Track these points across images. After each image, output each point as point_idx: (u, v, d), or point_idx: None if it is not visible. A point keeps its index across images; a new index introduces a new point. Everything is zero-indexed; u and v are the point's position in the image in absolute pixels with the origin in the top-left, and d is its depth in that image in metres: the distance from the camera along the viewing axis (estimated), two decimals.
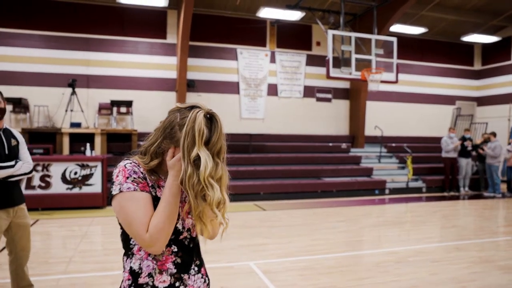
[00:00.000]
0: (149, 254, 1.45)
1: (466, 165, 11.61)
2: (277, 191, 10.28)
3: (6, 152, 3.26)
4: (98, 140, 10.10)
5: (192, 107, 1.42)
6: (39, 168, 8.35)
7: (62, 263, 5.02)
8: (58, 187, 8.40)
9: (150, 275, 1.45)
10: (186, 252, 1.50)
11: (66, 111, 10.28)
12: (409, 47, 13.96)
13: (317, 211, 8.82)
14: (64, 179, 8.46)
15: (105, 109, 11.06)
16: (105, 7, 11.20)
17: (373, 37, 10.13)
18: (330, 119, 13.27)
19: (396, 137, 13.63)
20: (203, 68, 12.07)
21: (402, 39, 13.38)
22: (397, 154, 12.80)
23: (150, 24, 11.60)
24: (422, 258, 5.32)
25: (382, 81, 10.04)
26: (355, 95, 13.16)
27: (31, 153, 8.52)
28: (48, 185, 8.37)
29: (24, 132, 9.84)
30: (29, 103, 10.60)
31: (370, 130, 13.20)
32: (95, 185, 8.58)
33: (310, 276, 4.58)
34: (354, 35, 9.96)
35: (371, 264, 5.07)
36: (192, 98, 11.83)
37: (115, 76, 11.36)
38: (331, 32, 9.70)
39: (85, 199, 8.43)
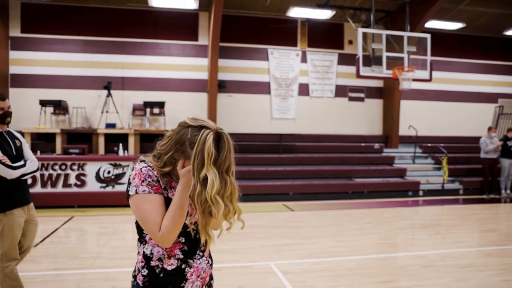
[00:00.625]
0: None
1: (509, 166, 11.05)
2: (307, 192, 10.21)
3: (14, 153, 3.43)
4: (131, 140, 10.41)
5: (202, 127, 1.54)
6: (75, 167, 8.72)
7: (90, 258, 5.22)
8: (92, 186, 8.75)
9: (160, 259, 1.67)
10: (192, 242, 1.72)
11: (102, 112, 10.67)
12: (447, 44, 13.46)
13: (346, 212, 8.69)
14: (98, 178, 8.79)
15: (139, 110, 11.38)
16: (138, 11, 11.53)
17: (405, 34, 9.86)
18: (363, 119, 13.02)
19: (432, 137, 13.18)
20: (234, 69, 12.17)
21: (439, 35, 12.93)
22: (433, 155, 12.38)
23: (182, 26, 11.83)
24: (450, 263, 5.13)
25: (415, 80, 9.75)
26: (388, 94, 12.84)
27: (68, 153, 8.92)
28: (83, 183, 8.73)
29: (63, 132, 10.30)
30: (68, 105, 11.08)
31: (404, 130, 12.84)
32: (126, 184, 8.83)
33: (329, 277, 4.53)
34: (385, 32, 9.73)
35: (395, 268, 4.95)
36: (223, 98, 11.96)
37: (149, 78, 11.67)
38: (361, 30, 9.53)
39: (117, 197, 8.71)
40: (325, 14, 11.62)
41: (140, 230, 1.70)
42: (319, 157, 11.63)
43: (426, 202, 10.26)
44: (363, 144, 12.48)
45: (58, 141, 10.19)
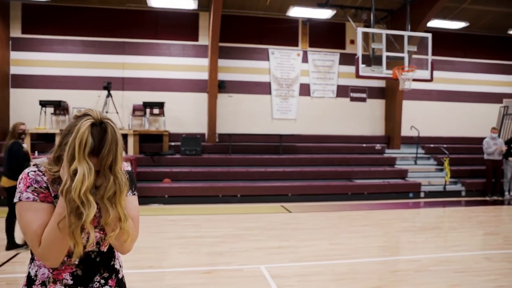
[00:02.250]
0: None
1: None
2: (306, 193, 10.12)
3: None
4: (131, 141, 10.40)
5: (85, 115, 1.37)
6: None
7: None
8: None
9: (43, 283, 1.43)
10: (89, 265, 1.46)
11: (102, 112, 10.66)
12: (450, 43, 13.29)
13: (344, 214, 8.60)
14: None
15: (139, 110, 11.38)
16: (138, 11, 11.52)
17: (406, 33, 9.73)
18: (365, 119, 12.90)
19: (435, 138, 13.03)
20: (234, 69, 12.12)
21: (441, 34, 12.78)
22: (435, 156, 12.23)
23: (182, 26, 11.81)
24: (444, 267, 5.03)
25: (416, 80, 9.63)
26: (391, 94, 12.71)
27: None
28: None
29: (62, 133, 10.31)
30: (68, 106, 11.09)
31: (406, 130, 12.70)
32: None
33: (319, 282, 4.46)
34: (385, 32, 9.62)
35: (387, 272, 4.86)
36: (223, 99, 11.91)
37: (149, 78, 11.66)
38: (360, 30, 9.43)
39: None
40: (326, 14, 11.52)
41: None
42: (320, 158, 11.54)
43: (427, 204, 10.12)
44: (364, 145, 12.37)
45: (58, 141, 10.19)
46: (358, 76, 9.51)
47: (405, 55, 9.56)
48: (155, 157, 10.36)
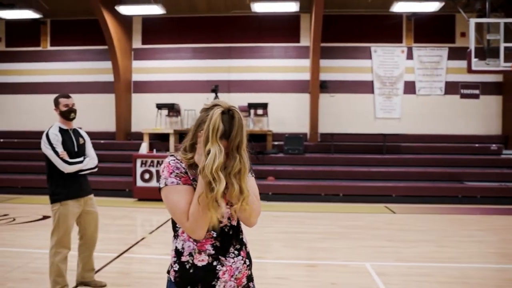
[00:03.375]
0: (191, 236, 1.63)
1: None
2: (411, 194, 9.73)
3: (76, 149, 3.76)
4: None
5: (214, 106, 1.61)
6: None
7: None
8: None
9: (190, 254, 1.65)
10: (225, 238, 1.68)
11: None
12: None
13: (454, 217, 8.10)
14: None
15: (243, 111, 11.93)
16: (243, 17, 12.12)
17: None
18: (477, 118, 11.94)
19: None
20: (336, 69, 12.10)
21: None
22: None
23: (283, 29, 12.15)
24: None
25: None
26: (509, 90, 11.60)
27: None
28: None
29: (175, 133, 11.28)
30: (180, 108, 12.09)
31: None
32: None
33: (427, 283, 4.35)
34: (503, 20, 8.84)
35: (506, 280, 4.55)
36: (325, 99, 11.96)
37: (252, 81, 12.20)
38: (473, 21, 8.80)
39: None
40: (433, 6, 10.92)
41: (173, 224, 1.71)
42: (426, 158, 10.99)
43: None
44: (477, 145, 11.46)
45: (171, 140, 11.19)
46: (470, 71, 8.89)
47: None
48: (260, 156, 10.82)
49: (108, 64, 11.86)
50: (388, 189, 9.83)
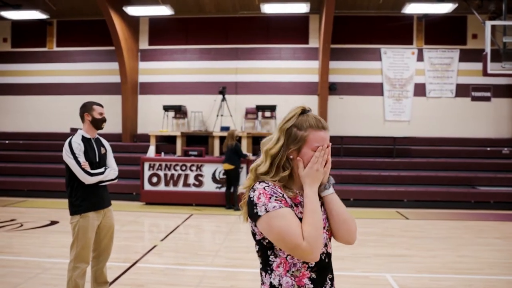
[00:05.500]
0: (287, 271, 1.52)
1: None
2: (423, 199, 9.59)
3: (97, 159, 3.61)
4: (244, 143, 10.84)
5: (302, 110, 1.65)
6: (194, 168, 9.38)
7: (209, 256, 5.57)
8: (208, 186, 9.33)
9: None
10: (321, 267, 1.56)
11: (217, 116, 11.30)
12: None
13: (469, 224, 7.95)
14: (214, 178, 9.34)
15: (251, 113, 11.82)
16: (251, 18, 11.96)
17: None
18: (489, 120, 11.78)
19: None
20: (345, 71, 11.94)
21: None
22: None
23: (292, 30, 11.99)
24: None
25: None
26: None
27: (188, 155, 9.61)
28: (200, 183, 9.35)
29: (182, 135, 11.14)
30: (187, 110, 11.95)
31: None
32: (240, 186, 9.22)
33: None
34: None
35: None
36: (334, 101, 11.80)
37: (260, 82, 12.05)
38: (489, 23, 8.63)
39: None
40: (445, 8, 10.75)
41: (265, 257, 1.57)
42: (437, 162, 10.84)
43: None
44: (488, 149, 11.30)
45: (179, 143, 11.05)
46: (486, 74, 8.72)
47: None
48: None
49: (114, 65, 11.71)
50: (400, 194, 9.69)
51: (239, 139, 10.89)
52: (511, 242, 6.62)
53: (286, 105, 11.80)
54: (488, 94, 11.83)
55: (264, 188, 1.52)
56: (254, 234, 1.57)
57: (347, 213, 1.59)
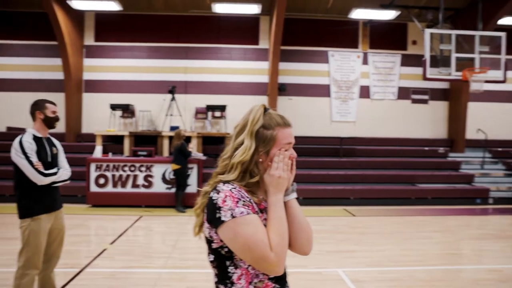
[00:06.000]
0: (250, 283, 1.41)
1: None
2: (368, 197, 10.02)
3: (49, 160, 3.45)
4: (194, 143, 10.74)
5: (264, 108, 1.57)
6: (143, 168, 9.17)
7: (162, 258, 5.48)
8: (158, 187, 9.15)
9: None
10: (281, 278, 1.48)
11: (166, 115, 11.11)
12: None
13: (410, 219, 8.43)
14: (164, 179, 9.18)
15: (201, 113, 11.72)
16: (202, 17, 11.88)
17: (478, 33, 9.37)
18: (427, 122, 12.54)
19: (503, 141, 12.40)
20: (294, 72, 12.19)
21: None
22: (504, 160, 11.68)
23: (243, 31, 12.05)
24: None
25: (487, 81, 9.26)
26: (455, 96, 12.28)
27: (137, 155, 9.36)
28: (150, 184, 9.15)
29: (130, 135, 10.83)
30: (135, 109, 11.63)
31: (471, 133, 12.19)
32: (191, 186, 9.16)
33: None
34: (455, 32, 9.32)
35: (469, 281, 4.76)
36: (283, 101, 12.01)
37: (211, 82, 11.99)
38: (428, 31, 9.20)
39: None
40: (389, 15, 11.32)
41: (222, 268, 1.44)
42: (381, 161, 11.37)
43: (497, 211, 9.70)
44: (426, 148, 12.03)
45: (126, 143, 10.72)
46: (425, 78, 9.27)
47: (477, 55, 9.21)
48: (218, 159, 10.62)
49: (57, 61, 11.15)
50: (347, 192, 10.05)
51: (188, 139, 10.79)
52: (448, 234, 7.10)
53: (236, 105, 11.86)
54: (426, 97, 12.58)
55: (231, 190, 1.40)
56: (210, 242, 1.43)
57: (307, 221, 1.51)
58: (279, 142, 1.47)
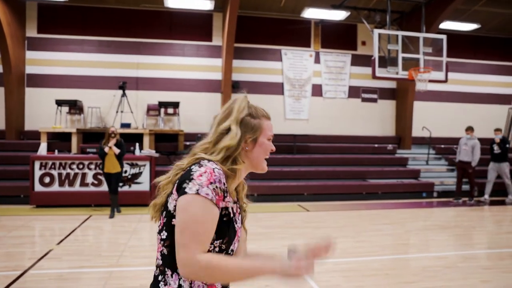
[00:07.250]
0: None
1: (495, 169, 10.60)
2: (321, 192, 10.21)
3: None
4: (146, 140, 10.46)
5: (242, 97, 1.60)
6: (92, 166, 8.79)
7: (114, 256, 5.26)
8: None
9: None
10: None
11: (117, 112, 10.74)
12: (461, 45, 13.38)
13: (362, 213, 8.68)
14: None
15: (153, 110, 11.45)
16: (154, 12, 11.60)
17: (421, 35, 9.83)
18: (376, 120, 12.99)
19: (446, 139, 13.09)
20: (248, 70, 12.21)
21: (453, 36, 12.82)
22: (447, 156, 12.33)
23: (196, 27, 11.89)
24: (472, 264, 5.12)
25: (431, 81, 9.73)
26: (402, 95, 12.81)
27: (85, 153, 8.97)
28: (100, 182, 8.79)
29: (78, 132, 10.37)
30: (83, 105, 11.16)
31: (417, 131, 12.79)
32: (143, 184, 8.91)
33: (354, 278, 4.54)
34: (401, 33, 9.72)
35: (418, 269, 4.94)
36: None
37: (163, 78, 11.73)
38: (377, 32, 9.52)
39: (134, 196, 8.77)
40: (339, 15, 11.61)
41: (171, 253, 1.33)
42: (333, 158, 11.63)
43: (441, 203, 10.22)
44: (376, 145, 12.46)
45: (74, 140, 10.25)
46: (374, 77, 9.60)
47: (421, 56, 9.66)
48: (171, 156, 10.43)
49: None
50: (301, 188, 10.18)
51: (140, 136, 10.49)
52: (397, 226, 7.37)
53: (190, 103, 11.71)
54: (375, 96, 13.02)
55: (213, 170, 1.33)
56: (171, 216, 1.33)
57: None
58: (266, 132, 1.51)
